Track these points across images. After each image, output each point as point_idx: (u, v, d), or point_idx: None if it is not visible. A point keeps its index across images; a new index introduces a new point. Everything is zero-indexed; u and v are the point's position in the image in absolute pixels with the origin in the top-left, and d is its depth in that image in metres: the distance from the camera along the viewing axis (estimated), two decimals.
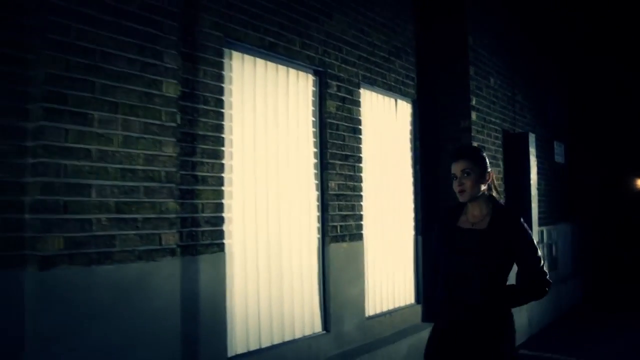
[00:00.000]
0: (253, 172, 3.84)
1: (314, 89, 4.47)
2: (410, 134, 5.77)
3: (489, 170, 2.58)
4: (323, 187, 4.43)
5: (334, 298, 4.42)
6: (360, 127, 4.83)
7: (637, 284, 10.02)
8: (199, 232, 3.29)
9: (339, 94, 4.61)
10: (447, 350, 2.49)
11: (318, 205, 4.41)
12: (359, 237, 4.75)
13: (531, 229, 6.70)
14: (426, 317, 5.71)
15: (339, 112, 4.59)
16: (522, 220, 2.52)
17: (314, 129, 4.44)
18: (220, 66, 3.53)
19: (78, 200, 2.61)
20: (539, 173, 7.29)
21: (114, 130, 2.77)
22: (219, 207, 3.46)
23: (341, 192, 4.56)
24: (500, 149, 6.70)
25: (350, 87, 4.75)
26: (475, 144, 6.02)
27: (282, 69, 4.16)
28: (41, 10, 2.57)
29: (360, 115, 4.84)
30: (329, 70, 4.52)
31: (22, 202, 2.54)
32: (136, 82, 2.89)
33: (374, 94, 5.18)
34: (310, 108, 4.43)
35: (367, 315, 4.85)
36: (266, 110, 3.99)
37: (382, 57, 5.23)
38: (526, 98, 7.71)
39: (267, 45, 3.94)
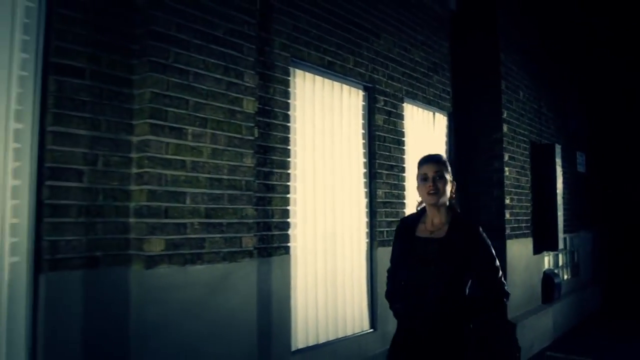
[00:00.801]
0: (312, 180, 4.06)
1: (364, 103, 4.69)
2: (446, 144, 5.98)
3: (454, 181, 2.51)
4: (371, 195, 4.64)
5: (381, 299, 4.62)
6: (403, 138, 5.05)
7: None
8: (270, 236, 3.53)
9: (386, 108, 4.83)
10: None
11: (367, 212, 4.62)
12: None
13: (557, 236, 6.91)
14: None
15: (386, 125, 4.81)
16: (481, 229, 2.41)
17: (364, 141, 4.66)
18: (287, 84, 3.77)
19: (176, 206, 2.85)
20: (562, 182, 7.45)
21: (204, 143, 3.01)
22: (286, 213, 3.69)
23: (387, 200, 4.77)
24: (528, 159, 6.87)
25: (395, 102, 4.97)
26: (506, 155, 6.22)
27: (337, 85, 4.39)
28: (145, 36, 2.81)
29: (403, 128, 5.06)
30: (377, 86, 4.74)
31: (127, 207, 2.78)
32: (222, 99, 3.13)
33: (415, 107, 5.39)
34: (361, 121, 4.65)
35: None
36: (323, 124, 4.22)
37: (422, 73, 5.45)
38: (551, 110, 7.87)
39: (326, 63, 4.17)
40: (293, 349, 3.75)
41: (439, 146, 5.84)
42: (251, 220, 3.27)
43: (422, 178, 2.47)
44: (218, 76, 3.12)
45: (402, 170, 4.99)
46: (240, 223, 3.19)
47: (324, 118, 4.23)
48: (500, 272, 2.38)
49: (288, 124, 3.76)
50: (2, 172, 2.42)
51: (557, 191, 7.08)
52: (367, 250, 4.61)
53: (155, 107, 2.79)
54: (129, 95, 2.82)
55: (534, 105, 7.24)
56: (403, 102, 5.09)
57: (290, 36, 3.84)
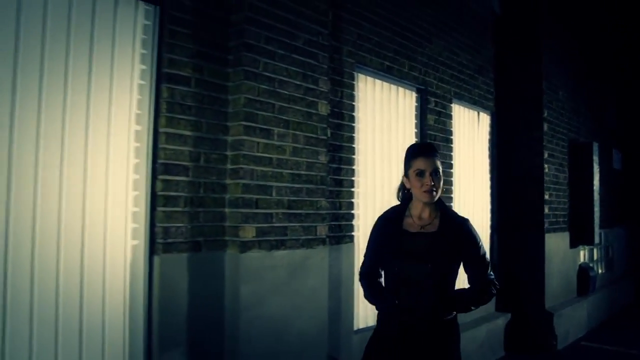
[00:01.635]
0: (372, 175, 4.35)
1: (417, 104, 4.95)
2: (489, 142, 6.20)
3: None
4: None
5: None
6: (451, 137, 5.30)
7: None
8: (338, 225, 3.84)
9: (436, 108, 5.08)
10: (395, 357, 2.32)
11: None
12: None
13: (592, 231, 7.07)
14: (498, 306, 6.12)
15: (436, 125, 5.06)
16: (470, 223, 2.36)
17: (416, 139, 4.92)
18: (352, 87, 4.06)
19: (264, 198, 3.18)
20: (598, 179, 7.58)
21: (286, 143, 3.33)
22: (351, 205, 3.99)
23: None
24: (566, 157, 7.03)
25: (444, 102, 5.22)
26: (546, 152, 6.40)
27: (393, 87, 4.66)
28: (239, 48, 3.13)
29: (451, 127, 5.31)
30: (429, 88, 5.00)
31: (224, 199, 3.12)
32: (301, 103, 3.44)
33: (461, 107, 5.63)
34: (414, 121, 4.91)
35: None
36: (382, 124, 4.50)
37: (469, 75, 5.68)
38: (588, 108, 7.99)
39: (385, 68, 4.45)
40: (355, 328, 4.06)
41: (482, 144, 6.07)
42: (324, 212, 3.59)
43: (417, 173, 2.29)
44: (298, 82, 3.43)
45: (450, 167, 5.24)
46: (315, 214, 3.51)
47: (382, 118, 4.51)
48: (490, 267, 2.37)
49: (353, 124, 4.05)
50: (125, 167, 2.78)
51: (594, 188, 7.23)
52: None
53: (249, 110, 3.11)
54: (225, 100, 3.15)
55: (572, 104, 7.37)
56: (451, 103, 5.34)
57: (355, 44, 4.13)
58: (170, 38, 2.91)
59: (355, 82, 4.13)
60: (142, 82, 2.85)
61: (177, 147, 2.91)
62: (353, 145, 4.04)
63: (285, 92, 3.34)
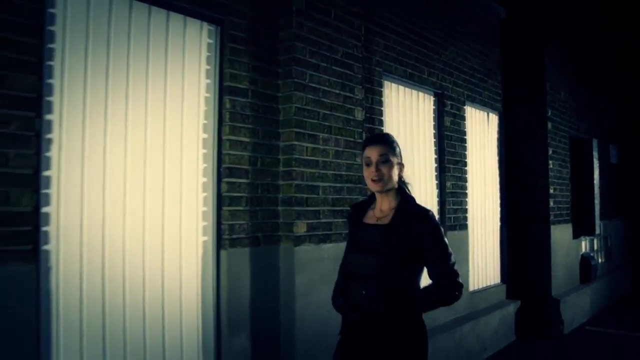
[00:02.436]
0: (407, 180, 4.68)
1: (434, 107, 5.29)
2: (497, 141, 6.55)
3: (402, 161, 2.26)
4: (441, 186, 5.26)
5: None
6: (465, 137, 5.64)
7: None
8: None
9: (452, 110, 5.42)
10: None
11: (438, 201, 5.24)
12: (465, 227, 5.57)
13: (593, 223, 7.44)
14: (509, 294, 6.48)
15: (452, 126, 5.41)
16: (430, 214, 2.13)
17: (434, 140, 5.26)
18: (380, 94, 4.40)
19: (313, 197, 3.51)
20: (598, 173, 7.95)
21: (330, 147, 3.66)
22: None
23: (454, 190, 5.38)
24: (568, 153, 7.39)
25: (459, 105, 5.56)
26: (550, 149, 6.76)
27: (414, 93, 5.00)
28: (289, 62, 3.46)
29: (465, 128, 5.65)
30: (445, 92, 5.34)
31: (277, 198, 3.45)
32: (340, 110, 3.77)
33: (473, 109, 5.98)
34: (432, 123, 5.25)
35: (470, 290, 5.67)
36: (405, 126, 4.83)
37: (479, 78, 6.02)
38: (587, 107, 8.35)
39: (407, 75, 4.78)
40: None
41: (492, 142, 6.42)
42: None
43: (365, 163, 2.19)
44: (337, 91, 3.75)
45: (465, 164, 5.59)
46: None
47: (405, 121, 4.84)
48: (453, 260, 2.09)
49: (382, 128, 4.38)
50: (195, 172, 3.10)
51: (594, 182, 7.61)
52: None
53: (298, 118, 3.44)
54: (276, 109, 3.47)
55: (573, 103, 7.74)
56: (464, 105, 5.68)
57: (382, 54, 4.46)
58: (230, 54, 3.23)
59: (382, 89, 4.46)
60: (207, 94, 3.17)
61: (238, 153, 3.23)
62: None
63: (328, 100, 3.67)
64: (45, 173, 2.42)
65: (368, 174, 2.18)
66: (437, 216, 5.09)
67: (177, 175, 3.00)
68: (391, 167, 2.17)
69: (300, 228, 3.40)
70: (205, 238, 3.13)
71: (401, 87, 4.82)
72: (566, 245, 7.16)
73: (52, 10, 2.48)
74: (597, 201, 7.64)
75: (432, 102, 5.27)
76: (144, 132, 2.85)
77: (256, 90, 3.36)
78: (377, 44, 4.39)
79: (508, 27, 6.71)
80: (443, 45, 5.35)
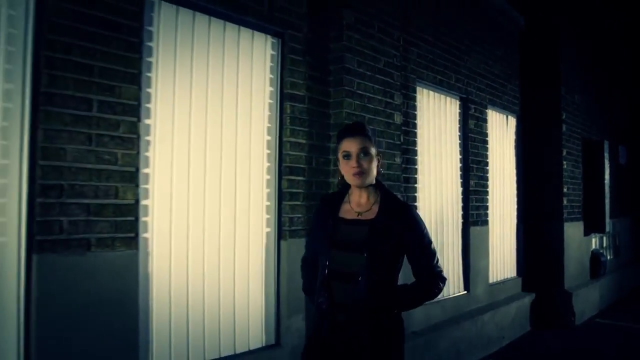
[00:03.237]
0: (428, 173, 5.03)
1: (460, 111, 5.62)
2: (515, 142, 6.88)
3: (380, 153, 2.17)
4: (465, 185, 5.59)
5: (472, 268, 5.60)
6: (487, 138, 5.97)
7: None
8: None
9: (475, 114, 5.76)
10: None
11: (462, 198, 5.58)
12: (486, 222, 5.90)
13: (604, 221, 7.76)
14: (524, 287, 6.81)
15: (475, 128, 5.74)
16: (414, 210, 2.10)
17: (459, 141, 5.60)
18: (414, 99, 4.73)
19: None
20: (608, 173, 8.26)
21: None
22: (415, 199, 4.67)
23: (477, 189, 5.72)
24: (580, 154, 7.71)
25: (481, 108, 5.89)
26: (564, 150, 7.07)
27: (442, 97, 5.33)
28: (339, 71, 3.80)
29: (487, 130, 5.98)
30: (469, 97, 5.66)
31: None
32: (382, 115, 4.10)
33: (494, 112, 6.30)
34: (457, 125, 5.58)
35: (490, 282, 6.01)
36: (434, 129, 5.17)
37: (500, 83, 6.35)
38: (598, 109, 8.66)
39: (437, 81, 5.11)
40: None
41: (510, 144, 6.75)
42: None
43: (344, 155, 2.06)
44: (380, 97, 4.09)
45: (487, 164, 5.92)
46: None
47: (435, 124, 5.18)
48: (437, 257, 2.08)
49: (415, 130, 4.72)
50: (260, 170, 3.45)
51: (605, 181, 7.93)
52: (461, 229, 5.57)
53: (348, 122, 3.77)
54: (327, 114, 3.82)
55: (585, 105, 8.04)
56: (487, 109, 6.01)
57: (416, 62, 4.79)
58: (290, 65, 3.57)
59: (415, 95, 4.79)
60: (271, 101, 3.52)
61: (297, 153, 3.58)
62: (415, 148, 4.71)
63: (372, 106, 4.01)
64: (144, 170, 2.77)
65: (348, 168, 2.04)
66: (460, 212, 5.46)
67: (247, 172, 3.35)
68: (372, 160, 2.04)
69: None
70: (268, 229, 3.48)
71: (431, 92, 5.15)
72: (577, 241, 7.49)
73: (149, 28, 2.83)
74: (607, 201, 7.95)
75: (457, 106, 5.60)
76: (220, 134, 3.20)
77: (311, 96, 3.70)
78: (412, 53, 4.72)
79: (527, 35, 7.03)
80: (468, 52, 5.67)
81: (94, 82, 2.55)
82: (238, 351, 3.26)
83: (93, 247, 2.53)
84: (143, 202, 2.76)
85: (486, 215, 5.91)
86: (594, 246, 8.29)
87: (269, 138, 3.50)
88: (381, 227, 2.01)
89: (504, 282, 6.38)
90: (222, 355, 3.15)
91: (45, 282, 2.39)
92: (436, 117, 5.22)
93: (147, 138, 2.80)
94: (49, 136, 2.42)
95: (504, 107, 6.47)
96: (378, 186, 2.13)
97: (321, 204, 2.28)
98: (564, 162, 7.10)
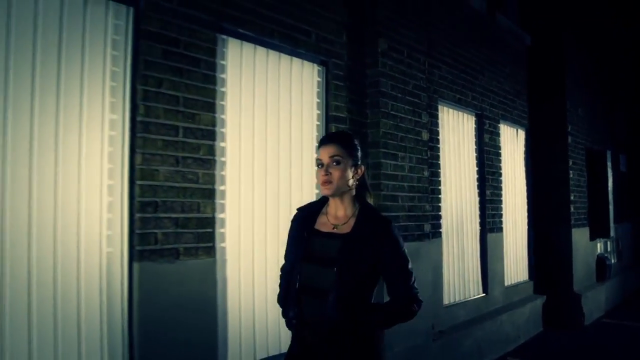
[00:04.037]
0: (450, 185, 5.40)
1: (475, 126, 6.01)
2: (524, 154, 7.26)
3: (361, 163, 2.05)
4: (482, 194, 5.97)
5: (490, 271, 5.95)
6: (500, 151, 6.36)
7: None
8: (432, 224, 4.87)
9: (489, 129, 6.14)
10: None
11: (479, 207, 5.95)
12: (500, 229, 6.27)
13: (608, 226, 8.14)
14: (535, 290, 7.16)
15: (490, 142, 6.12)
16: (393, 225, 1.97)
17: (476, 154, 5.98)
18: (437, 117, 5.12)
19: (394, 205, 4.22)
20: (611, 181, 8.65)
21: (405, 163, 4.37)
22: (439, 208, 5.03)
23: (492, 198, 6.09)
24: (585, 163, 8.10)
25: (495, 123, 6.28)
26: (570, 160, 7.46)
27: (460, 114, 5.72)
28: (375, 94, 4.18)
29: (499, 143, 6.37)
30: (484, 113, 6.05)
31: None
32: (412, 132, 4.48)
33: (506, 126, 6.69)
34: (473, 140, 5.97)
35: (505, 285, 6.36)
36: (454, 144, 5.55)
37: (510, 99, 6.74)
38: (600, 121, 9.07)
39: (456, 99, 5.50)
40: (445, 303, 5.10)
41: (520, 155, 7.14)
42: (428, 213, 4.63)
43: (317, 164, 2.01)
44: (409, 117, 4.47)
45: (500, 175, 6.30)
46: (423, 215, 4.55)
47: (454, 139, 5.56)
48: (414, 277, 1.97)
49: (438, 146, 5.10)
50: (311, 184, 3.81)
51: (608, 189, 8.32)
52: (479, 235, 5.94)
53: (384, 140, 4.16)
54: (365, 133, 4.19)
55: (589, 117, 8.45)
56: (499, 123, 6.40)
57: (438, 82, 5.18)
58: (334, 90, 3.95)
59: (438, 112, 5.18)
60: (318, 122, 3.90)
61: None
62: (438, 162, 5.09)
63: (403, 125, 4.39)
64: (220, 187, 3.14)
65: (318, 176, 1.99)
66: (478, 220, 5.82)
67: (299, 187, 3.72)
68: (343, 169, 1.96)
69: None
70: None
71: (451, 110, 5.54)
72: (584, 246, 7.86)
73: (221, 62, 3.20)
74: (611, 207, 8.34)
75: (473, 122, 5.99)
76: (277, 154, 3.57)
77: (351, 117, 4.08)
78: (434, 75, 5.11)
79: (533, 53, 7.44)
80: (482, 71, 6.07)
81: (180, 110, 2.92)
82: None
83: (181, 255, 2.89)
84: (219, 216, 3.12)
85: (500, 222, 6.28)
86: (599, 250, 8.66)
87: (316, 156, 3.85)
88: (355, 242, 1.91)
89: (517, 285, 6.73)
90: (282, 351, 3.49)
91: (144, 286, 2.74)
92: (455, 133, 5.61)
93: (222, 159, 3.16)
94: (145, 159, 2.78)
95: (514, 121, 6.86)
96: (359, 200, 2.04)
97: (298, 213, 2.15)
98: (570, 172, 7.49)
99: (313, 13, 3.81)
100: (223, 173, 3.17)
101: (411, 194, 4.42)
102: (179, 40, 2.94)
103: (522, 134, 7.20)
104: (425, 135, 4.66)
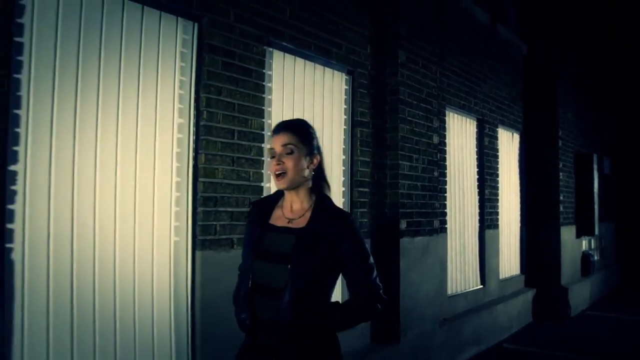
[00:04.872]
0: (454, 184, 5.84)
1: (477, 130, 6.47)
2: (518, 156, 7.76)
3: (316, 152, 1.91)
4: (481, 194, 6.43)
5: (487, 265, 6.43)
6: (497, 153, 6.83)
7: None
8: (440, 220, 5.31)
9: (489, 132, 6.61)
10: None
11: (479, 205, 6.41)
12: (496, 226, 6.75)
13: (593, 225, 8.69)
14: (526, 283, 7.67)
15: (489, 145, 6.59)
16: (352, 218, 1.88)
17: (476, 156, 6.44)
18: (444, 122, 5.56)
19: (409, 202, 4.64)
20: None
21: (419, 164, 4.80)
22: (445, 206, 5.47)
23: (490, 197, 6.56)
24: (573, 166, 8.62)
25: (493, 127, 6.75)
26: (560, 163, 7.97)
27: (464, 119, 6.17)
28: (395, 101, 4.59)
29: (497, 146, 6.84)
30: (484, 118, 6.52)
31: (384, 202, 4.57)
32: (425, 137, 4.91)
33: (503, 130, 7.17)
34: (474, 142, 6.43)
35: (500, 278, 6.85)
36: (458, 146, 6.00)
37: (507, 105, 7.22)
38: (587, 125, 9.62)
39: (460, 105, 5.95)
40: (449, 293, 5.55)
41: (515, 157, 7.63)
42: (437, 211, 5.07)
43: (270, 154, 1.89)
44: (422, 122, 4.90)
45: (497, 176, 6.78)
46: (433, 212, 4.99)
47: (458, 142, 6.01)
48: (375, 273, 1.84)
49: (445, 148, 5.54)
50: (338, 183, 4.21)
51: (594, 190, 8.87)
52: (478, 232, 6.40)
53: (401, 144, 4.58)
54: (385, 137, 4.60)
55: (577, 122, 8.98)
56: (497, 127, 6.87)
57: (445, 90, 5.61)
58: (359, 97, 4.36)
59: (445, 118, 5.61)
60: (345, 127, 4.31)
61: (364, 169, 4.36)
62: (445, 163, 5.53)
63: (417, 129, 4.81)
64: (267, 185, 3.52)
65: (271, 167, 1.87)
66: (477, 217, 6.29)
67: (335, 186, 4.10)
68: (298, 159, 1.83)
69: (403, 225, 4.54)
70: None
71: (456, 115, 5.98)
72: (571, 243, 8.39)
73: (269, 72, 3.59)
74: (596, 207, 8.90)
75: (475, 126, 6.44)
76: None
77: (374, 122, 4.49)
78: (443, 83, 5.55)
79: (528, 62, 7.93)
80: (483, 80, 6.53)
81: (235, 116, 3.30)
82: None
83: (235, 245, 3.27)
84: None
85: (497, 220, 6.76)
86: (584, 247, 9.21)
87: (344, 157, 4.27)
88: (311, 237, 1.79)
89: (510, 279, 7.23)
90: None
91: (204, 272, 3.12)
92: (459, 136, 6.05)
93: (269, 159, 3.53)
94: (207, 159, 3.16)
95: (511, 126, 7.35)
96: (316, 191, 1.91)
97: (253, 208, 2.02)
98: (560, 173, 8.00)
99: (344, 28, 4.20)
100: (269, 172, 3.54)
101: (423, 192, 4.85)
102: (235, 53, 3.32)
103: (517, 137, 7.69)
104: (435, 139, 5.09)
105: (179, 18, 3.12)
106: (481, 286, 6.38)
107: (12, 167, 2.37)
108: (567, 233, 8.20)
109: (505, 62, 7.22)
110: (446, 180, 5.54)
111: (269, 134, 3.53)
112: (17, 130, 2.40)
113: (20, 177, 2.40)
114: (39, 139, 2.48)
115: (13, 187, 2.38)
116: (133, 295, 2.85)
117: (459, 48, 5.94)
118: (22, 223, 2.41)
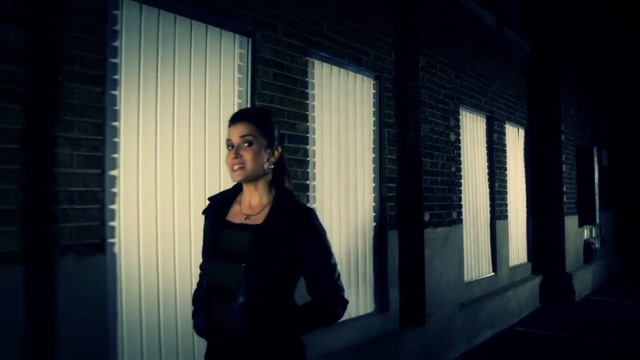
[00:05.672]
0: (468, 178, 6.27)
1: (486, 127, 6.89)
2: (524, 150, 8.19)
3: (277, 144, 1.80)
4: (492, 187, 6.86)
5: (498, 254, 6.86)
6: (505, 148, 7.26)
7: None
8: (458, 212, 5.73)
9: (497, 129, 7.03)
10: None
11: (490, 197, 6.85)
12: (506, 217, 7.19)
13: (595, 214, 9.17)
14: (533, 270, 8.12)
15: (498, 140, 7.02)
16: (313, 214, 1.74)
17: (487, 152, 6.86)
18: (459, 120, 5.97)
19: (432, 195, 5.06)
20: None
21: (439, 160, 5.22)
22: (460, 199, 5.89)
23: (499, 189, 7.00)
24: (574, 158, 9.07)
25: (501, 124, 7.18)
26: (563, 156, 8.42)
27: (475, 117, 6.59)
28: (416, 103, 5.00)
29: (505, 142, 7.27)
30: (493, 115, 6.94)
31: (408, 197, 4.99)
32: (443, 135, 5.32)
33: (510, 126, 7.60)
34: (485, 138, 6.85)
35: (510, 265, 7.29)
36: (471, 142, 6.42)
37: (513, 102, 7.65)
38: (589, 120, 10.08)
39: (473, 104, 6.37)
40: (465, 280, 5.98)
41: (521, 152, 8.06)
42: (455, 203, 5.49)
43: (227, 146, 1.76)
44: (440, 122, 5.31)
45: (506, 169, 7.22)
46: (452, 204, 5.42)
47: (471, 139, 6.43)
48: (338, 273, 1.74)
49: (460, 145, 5.96)
50: (369, 179, 4.62)
51: (595, 181, 9.34)
52: (489, 222, 6.84)
53: (423, 142, 4.99)
54: (407, 136, 5.01)
55: (578, 117, 9.43)
56: (505, 124, 7.30)
57: (459, 90, 6.03)
58: (385, 100, 4.77)
59: (459, 116, 6.03)
60: (374, 128, 4.71)
61: (390, 167, 4.77)
62: (460, 159, 5.95)
63: (437, 128, 5.23)
64: (312, 183, 3.93)
65: (228, 160, 1.74)
66: (488, 209, 6.72)
67: (362, 182, 4.53)
68: (257, 151, 1.72)
69: (426, 216, 4.96)
70: (374, 223, 4.66)
71: (468, 114, 6.41)
72: (574, 232, 8.85)
73: (312, 80, 3.99)
74: (597, 198, 9.36)
75: (485, 123, 6.87)
76: (347, 154, 4.37)
77: (396, 122, 4.90)
78: (456, 84, 5.96)
79: (532, 60, 8.36)
80: (492, 79, 6.95)
81: (284, 121, 3.70)
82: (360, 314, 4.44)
83: None
84: (312, 206, 3.91)
85: (506, 211, 7.19)
86: (585, 236, 9.68)
87: (373, 155, 4.69)
88: (268, 234, 1.67)
89: (519, 266, 7.68)
90: (352, 316, 4.31)
91: None
92: (471, 133, 6.48)
93: (313, 160, 3.96)
94: None
95: (517, 122, 7.78)
96: (276, 186, 1.79)
97: (210, 204, 1.90)
98: (563, 166, 8.45)
99: (372, 37, 4.61)
100: (315, 171, 3.97)
101: (443, 187, 5.27)
102: (283, 64, 3.71)
103: (522, 133, 8.12)
104: (452, 137, 5.51)
105: (236, 35, 3.51)
106: (493, 273, 6.82)
107: (111, 173, 2.76)
108: (571, 223, 8.65)
109: (510, 61, 7.65)
110: (461, 175, 5.96)
111: (313, 136, 3.98)
112: (114, 140, 2.78)
113: (118, 181, 2.79)
114: (129, 147, 2.87)
115: (113, 190, 2.77)
116: None
117: (470, 51, 6.35)
118: (119, 221, 2.80)
